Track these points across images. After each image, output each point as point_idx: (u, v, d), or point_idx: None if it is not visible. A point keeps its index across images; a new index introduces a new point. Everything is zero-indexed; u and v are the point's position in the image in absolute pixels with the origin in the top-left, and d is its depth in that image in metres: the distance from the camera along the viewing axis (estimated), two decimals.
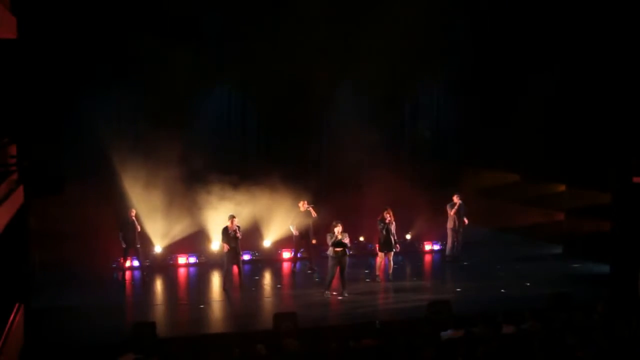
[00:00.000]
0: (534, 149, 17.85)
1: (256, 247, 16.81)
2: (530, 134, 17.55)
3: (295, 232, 15.62)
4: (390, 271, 14.98)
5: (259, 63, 16.45)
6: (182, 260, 16.21)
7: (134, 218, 14.59)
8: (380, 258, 15.07)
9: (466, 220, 16.58)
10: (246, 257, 16.14)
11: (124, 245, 14.67)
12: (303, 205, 15.55)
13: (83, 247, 14.76)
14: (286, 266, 16.44)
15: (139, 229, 14.69)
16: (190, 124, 16.57)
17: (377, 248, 15.21)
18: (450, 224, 16.67)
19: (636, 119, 14.42)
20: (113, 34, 14.90)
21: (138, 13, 15.00)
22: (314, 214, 15.55)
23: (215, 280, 15.23)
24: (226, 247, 14.10)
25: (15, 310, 10.27)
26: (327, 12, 16.00)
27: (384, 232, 14.78)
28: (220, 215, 15.45)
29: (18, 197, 9.87)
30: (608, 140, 15.14)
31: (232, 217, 14.25)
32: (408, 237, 17.76)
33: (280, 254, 16.81)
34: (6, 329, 9.38)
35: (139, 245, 14.82)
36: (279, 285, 14.95)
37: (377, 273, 15.16)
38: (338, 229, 13.57)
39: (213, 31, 16.38)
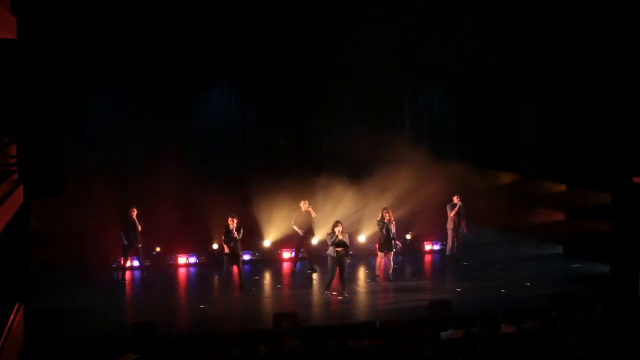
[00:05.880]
0: (534, 149, 17.83)
1: (256, 247, 16.80)
2: (531, 134, 17.54)
3: (300, 231, 15.61)
4: (390, 271, 14.99)
5: (259, 63, 16.45)
6: (182, 260, 16.21)
7: (134, 217, 14.57)
8: (380, 258, 15.07)
9: (464, 227, 16.59)
10: (246, 257, 16.14)
11: (125, 242, 14.66)
12: (304, 205, 15.54)
13: (83, 247, 14.78)
14: (286, 266, 16.44)
15: (140, 228, 14.66)
16: (191, 124, 16.57)
17: (377, 248, 15.21)
18: (450, 225, 16.67)
19: (636, 120, 14.41)
20: (113, 33, 14.89)
21: (137, 12, 14.98)
22: (313, 214, 15.55)
23: (215, 280, 15.23)
24: (226, 247, 14.14)
25: (15, 310, 10.26)
26: (327, 12, 15.99)
27: (384, 232, 14.79)
28: (220, 214, 15.43)
29: (18, 197, 9.86)
30: (608, 140, 15.13)
31: (232, 217, 14.25)
32: (408, 237, 17.75)
33: (280, 254, 16.80)
34: (6, 329, 9.38)
35: (139, 245, 14.81)
36: (279, 285, 14.96)
37: (377, 273, 15.16)
38: (339, 229, 13.58)
39: (214, 31, 16.36)
